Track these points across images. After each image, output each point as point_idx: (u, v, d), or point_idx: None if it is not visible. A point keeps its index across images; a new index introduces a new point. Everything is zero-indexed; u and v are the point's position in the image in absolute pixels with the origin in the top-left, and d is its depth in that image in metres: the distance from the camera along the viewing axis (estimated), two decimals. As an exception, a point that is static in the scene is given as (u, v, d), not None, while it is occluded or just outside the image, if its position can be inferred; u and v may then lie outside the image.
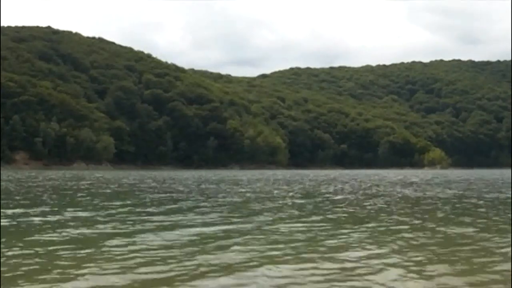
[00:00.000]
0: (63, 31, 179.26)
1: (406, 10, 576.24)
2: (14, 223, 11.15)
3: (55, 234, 9.45)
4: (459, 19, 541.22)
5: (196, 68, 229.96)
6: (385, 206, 16.51)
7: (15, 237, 9.00)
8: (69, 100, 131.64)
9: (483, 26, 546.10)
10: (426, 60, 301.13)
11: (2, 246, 7.96)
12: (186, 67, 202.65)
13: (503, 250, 8.09)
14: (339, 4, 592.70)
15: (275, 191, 24.92)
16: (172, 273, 6.38)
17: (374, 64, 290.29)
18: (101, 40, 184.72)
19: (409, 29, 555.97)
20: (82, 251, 7.74)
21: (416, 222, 11.87)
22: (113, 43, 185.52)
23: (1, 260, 6.95)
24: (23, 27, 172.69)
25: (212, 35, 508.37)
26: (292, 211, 14.55)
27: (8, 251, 7.61)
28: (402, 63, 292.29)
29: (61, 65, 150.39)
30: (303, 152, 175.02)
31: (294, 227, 10.74)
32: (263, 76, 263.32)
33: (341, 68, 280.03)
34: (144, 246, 8.14)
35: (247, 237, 9.16)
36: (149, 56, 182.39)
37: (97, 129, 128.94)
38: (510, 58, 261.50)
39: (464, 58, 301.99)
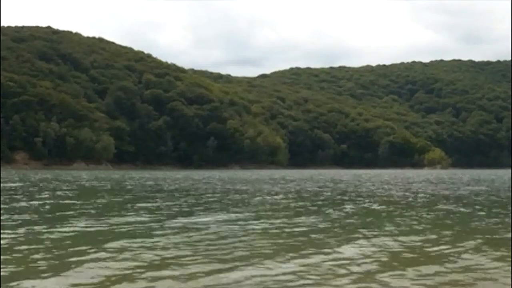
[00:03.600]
0: (63, 31, 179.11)
1: (408, 9, 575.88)
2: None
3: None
4: (462, 19, 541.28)
5: (197, 68, 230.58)
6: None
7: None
8: (69, 100, 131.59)
9: (486, 25, 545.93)
10: (429, 59, 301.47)
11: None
12: (187, 66, 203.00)
13: None
14: (341, 3, 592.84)
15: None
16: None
17: (375, 64, 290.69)
18: (101, 40, 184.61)
19: (411, 29, 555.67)
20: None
21: None
22: (113, 43, 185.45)
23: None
24: (23, 27, 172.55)
25: (213, 35, 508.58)
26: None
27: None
28: (402, 63, 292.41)
29: (61, 65, 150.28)
30: (303, 152, 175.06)
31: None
32: (263, 76, 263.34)
33: (341, 68, 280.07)
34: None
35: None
36: (149, 56, 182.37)
37: (97, 129, 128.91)
38: (510, 58, 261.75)
39: (467, 57, 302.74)
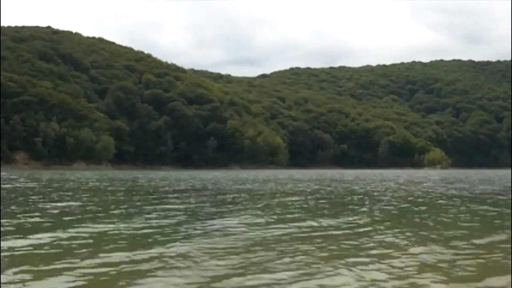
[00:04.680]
0: (63, 31, 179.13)
1: (409, 9, 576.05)
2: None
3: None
4: (462, 18, 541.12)
5: (197, 68, 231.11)
6: None
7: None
8: (69, 100, 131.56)
9: (487, 25, 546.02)
10: (429, 59, 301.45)
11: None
12: (187, 66, 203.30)
13: None
14: (341, 3, 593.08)
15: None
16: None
17: (375, 64, 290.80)
18: (101, 40, 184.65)
19: (412, 29, 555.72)
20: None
21: None
22: (113, 43, 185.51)
23: None
24: (23, 27, 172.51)
25: (213, 35, 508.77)
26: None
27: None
28: (402, 63, 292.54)
29: (61, 65, 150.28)
30: (303, 152, 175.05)
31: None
32: (263, 76, 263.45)
33: (341, 68, 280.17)
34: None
35: None
36: (149, 56, 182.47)
37: (97, 129, 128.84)
38: (510, 58, 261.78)
39: (467, 57, 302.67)
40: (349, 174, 77.08)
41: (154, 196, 20.48)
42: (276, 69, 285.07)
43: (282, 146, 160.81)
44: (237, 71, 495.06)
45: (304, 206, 16.06)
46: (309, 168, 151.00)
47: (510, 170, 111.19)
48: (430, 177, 53.58)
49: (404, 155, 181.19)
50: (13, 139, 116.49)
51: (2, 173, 58.13)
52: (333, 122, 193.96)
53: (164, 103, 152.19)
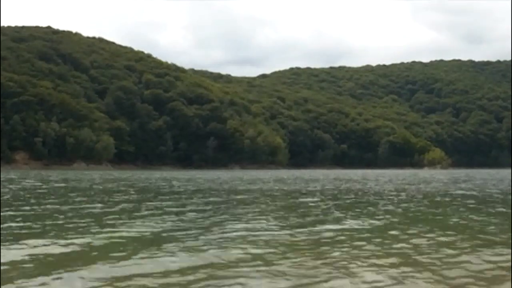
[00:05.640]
0: (63, 31, 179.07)
1: (409, 9, 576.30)
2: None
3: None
4: (462, 18, 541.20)
5: (197, 68, 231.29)
6: None
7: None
8: (69, 100, 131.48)
9: (487, 25, 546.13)
10: (429, 59, 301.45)
11: None
12: (188, 66, 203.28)
13: None
14: (341, 3, 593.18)
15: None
16: None
17: (375, 64, 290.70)
18: (101, 40, 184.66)
19: (412, 29, 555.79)
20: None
21: None
22: (113, 43, 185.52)
23: None
24: (23, 27, 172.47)
25: (214, 35, 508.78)
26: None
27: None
28: (402, 63, 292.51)
29: (61, 65, 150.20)
30: (303, 152, 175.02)
31: None
32: (263, 76, 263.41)
33: (341, 68, 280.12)
34: None
35: None
36: (149, 56, 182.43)
37: (97, 129, 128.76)
38: (510, 58, 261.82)
39: (467, 57, 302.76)
40: (377, 174, 74.42)
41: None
42: (276, 69, 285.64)
43: (282, 146, 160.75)
44: (237, 71, 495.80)
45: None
46: (309, 168, 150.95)
47: (510, 170, 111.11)
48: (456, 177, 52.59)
49: (404, 155, 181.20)
50: (13, 139, 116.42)
51: (41, 175, 57.70)
52: (333, 122, 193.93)
53: (164, 103, 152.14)
